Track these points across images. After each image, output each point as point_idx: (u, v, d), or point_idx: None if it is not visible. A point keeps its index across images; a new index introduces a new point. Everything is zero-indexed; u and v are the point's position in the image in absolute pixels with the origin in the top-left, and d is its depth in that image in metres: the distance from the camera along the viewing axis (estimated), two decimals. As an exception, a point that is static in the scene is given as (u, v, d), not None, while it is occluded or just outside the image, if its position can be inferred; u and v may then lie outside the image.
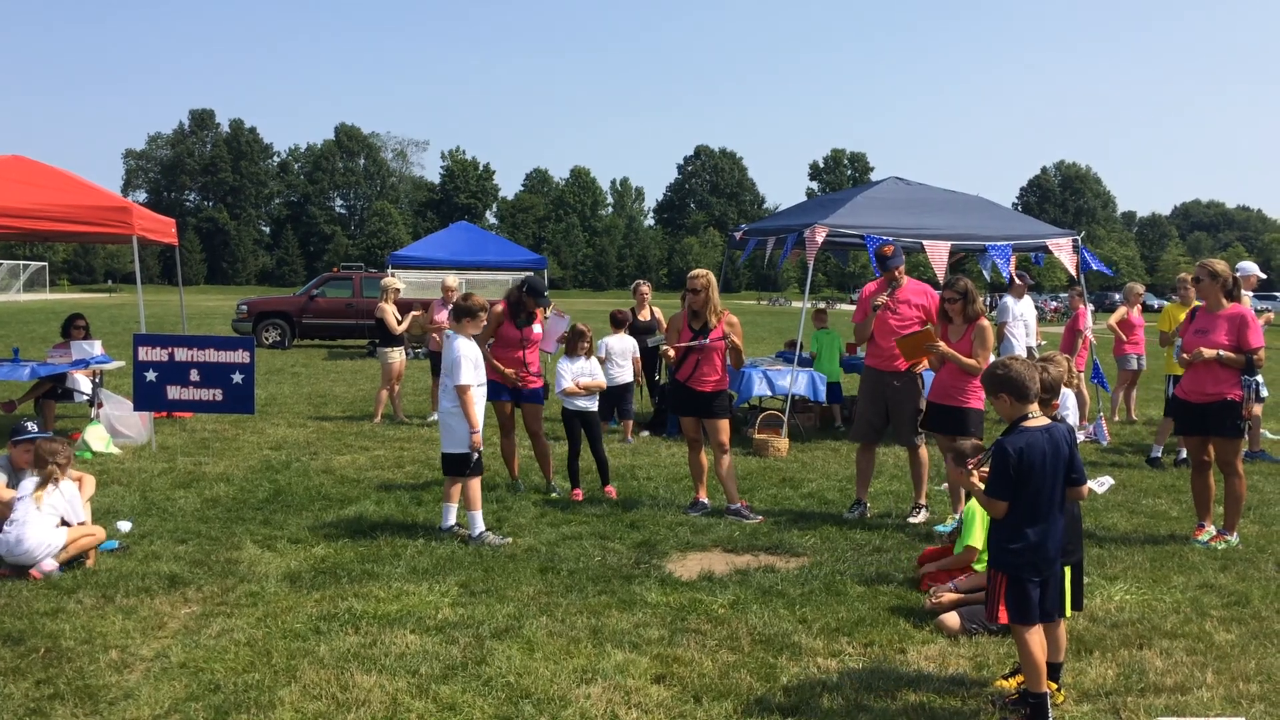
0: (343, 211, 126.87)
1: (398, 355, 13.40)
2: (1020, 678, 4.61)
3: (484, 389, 7.63)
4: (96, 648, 5.19)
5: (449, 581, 6.34)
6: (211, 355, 10.24)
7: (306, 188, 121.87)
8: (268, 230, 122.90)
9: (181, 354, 10.22)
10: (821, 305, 14.22)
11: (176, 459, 10.22)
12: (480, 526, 7.38)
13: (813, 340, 13.55)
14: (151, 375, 10.17)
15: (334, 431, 12.27)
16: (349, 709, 4.52)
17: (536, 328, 9.10)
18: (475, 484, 7.43)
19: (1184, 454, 10.11)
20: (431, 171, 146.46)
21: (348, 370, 20.40)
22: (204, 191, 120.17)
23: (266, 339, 25.52)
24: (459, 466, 7.43)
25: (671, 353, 8.30)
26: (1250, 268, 11.05)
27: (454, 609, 5.86)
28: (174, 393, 10.20)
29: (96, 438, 10.48)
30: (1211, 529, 7.58)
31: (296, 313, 26.15)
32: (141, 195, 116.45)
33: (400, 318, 13.66)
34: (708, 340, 8.21)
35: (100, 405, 11.17)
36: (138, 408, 10.53)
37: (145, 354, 10.20)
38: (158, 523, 7.65)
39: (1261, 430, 12.08)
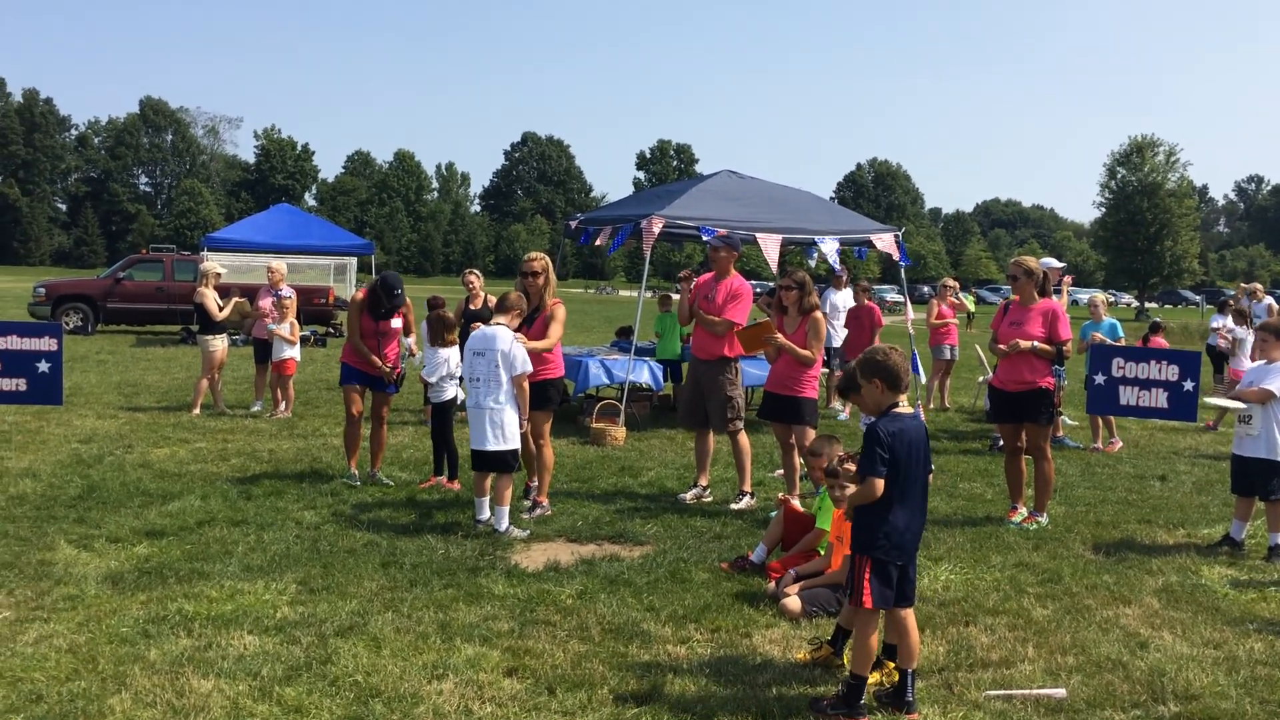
0: (148, 190, 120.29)
1: (219, 343, 12.81)
2: (890, 667, 4.78)
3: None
4: (-104, 661, 4.78)
5: (286, 579, 6.12)
6: (14, 342, 9.46)
7: (108, 164, 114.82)
8: (64, 208, 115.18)
9: (-21, 340, 9.46)
10: (662, 294, 14.44)
11: (-26, 453, 9.50)
12: (505, 521, 7.28)
13: (656, 322, 13.84)
14: (-56, 363, 9.37)
15: (149, 423, 11.64)
16: (187, 715, 4.31)
17: (395, 322, 8.94)
18: (509, 481, 7.32)
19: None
20: (245, 150, 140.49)
21: (160, 358, 19.36)
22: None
23: (67, 324, 23.83)
24: (508, 464, 7.28)
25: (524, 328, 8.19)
26: (1052, 262, 11.84)
27: (293, 607, 5.66)
28: (-29, 382, 9.43)
29: (-120, 431, 9.62)
30: (1024, 511, 8.07)
31: (101, 296, 24.62)
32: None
33: (221, 304, 13.07)
34: (534, 325, 7.94)
35: (-117, 396, 10.23)
36: (-72, 398, 9.69)
37: (-63, 340, 9.39)
38: (-43, 523, 7.09)
39: (1061, 417, 12.93)
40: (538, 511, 7.84)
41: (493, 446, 7.26)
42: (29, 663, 4.78)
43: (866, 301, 14.26)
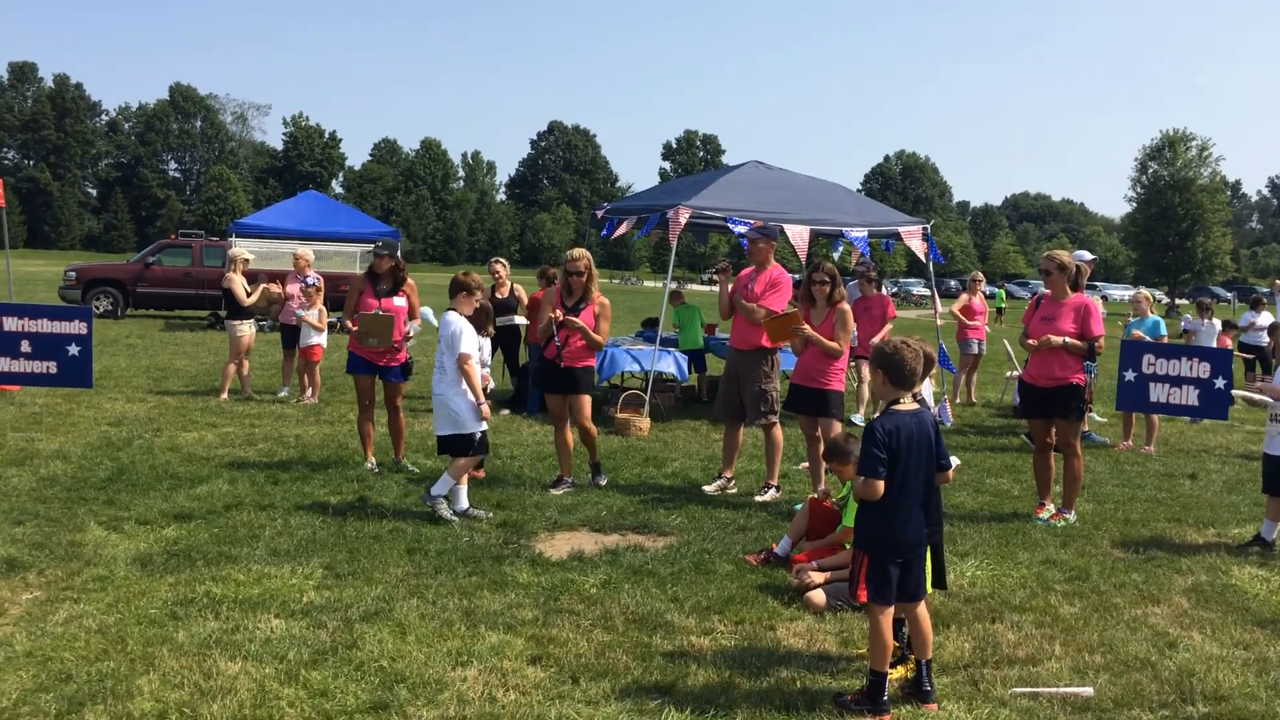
0: (177, 175, 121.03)
1: (247, 328, 12.89)
2: (909, 666, 4.76)
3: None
4: (-71, 638, 4.84)
5: (312, 563, 6.16)
6: (45, 326, 9.58)
7: (138, 149, 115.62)
8: (94, 193, 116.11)
9: (11, 323, 9.53)
10: (674, 286, 14.34)
11: (6, 435, 9.60)
12: (444, 490, 7.31)
13: (673, 315, 13.79)
14: (-23, 345, 9.46)
15: (177, 407, 11.73)
16: (214, 697, 4.34)
17: (399, 300, 8.92)
18: (467, 463, 7.36)
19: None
20: (274, 137, 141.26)
21: (188, 342, 19.52)
22: (24, 149, 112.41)
23: (97, 308, 24.04)
24: (461, 448, 7.32)
25: (560, 315, 8.29)
26: (1084, 254, 11.70)
27: (319, 592, 5.69)
28: (3, 364, 9.48)
29: (-86, 411, 9.74)
30: (1051, 507, 8.01)
31: (130, 281, 24.80)
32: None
33: (249, 289, 13.15)
34: (573, 318, 8.26)
35: (-83, 376, 10.35)
36: (-39, 380, 9.81)
37: (-30, 323, 9.49)
38: (-11, 503, 7.18)
39: (1090, 414, 12.82)
40: (601, 479, 8.60)
41: (444, 431, 7.41)
42: (59, 642, 4.83)
43: (875, 292, 14.12)
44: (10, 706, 4.20)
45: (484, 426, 7.47)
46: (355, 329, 8.72)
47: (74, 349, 9.60)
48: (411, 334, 9.02)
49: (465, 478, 7.50)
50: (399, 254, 9.15)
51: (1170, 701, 4.67)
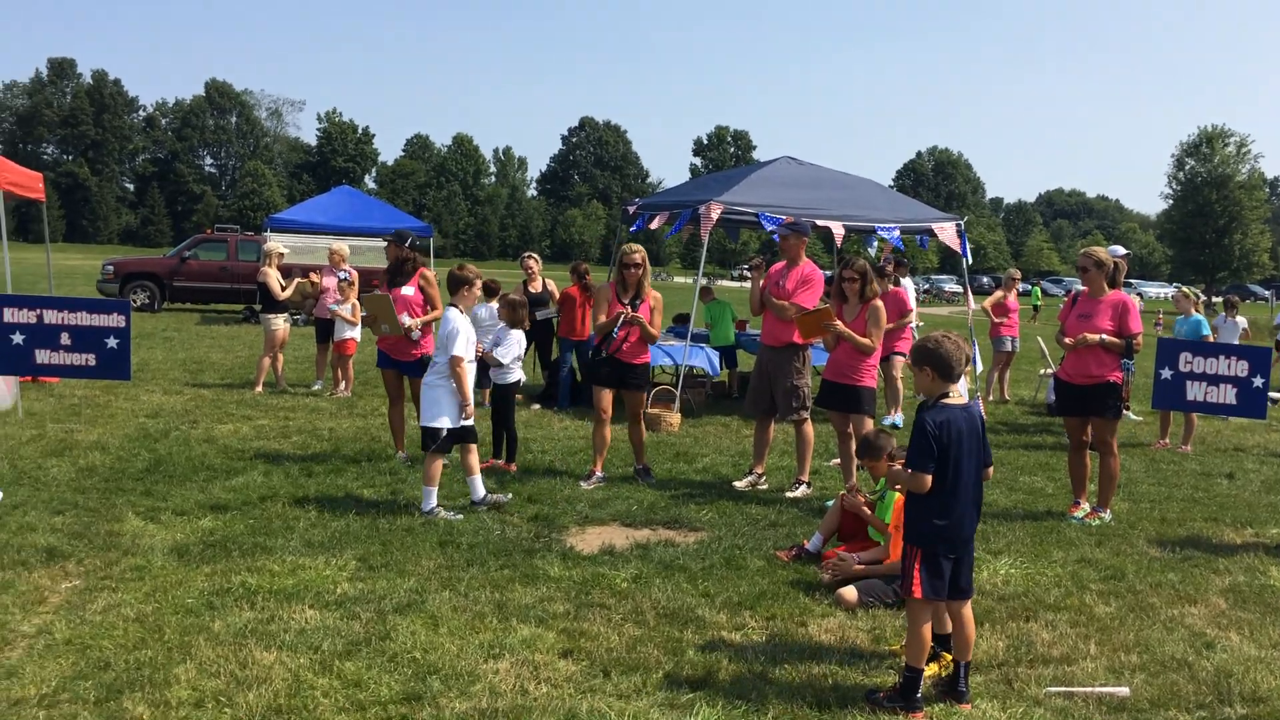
0: (213, 171, 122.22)
1: (281, 322, 13.00)
2: (947, 659, 4.73)
3: (473, 365, 7.58)
4: (-28, 625, 4.92)
5: (346, 555, 6.20)
6: (84, 318, 9.68)
7: (174, 144, 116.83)
8: (131, 187, 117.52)
9: (51, 316, 9.64)
10: (704, 282, 14.30)
11: (46, 426, 9.74)
12: (433, 502, 7.28)
13: (704, 312, 13.77)
14: (18, 338, 9.57)
15: (213, 399, 11.85)
16: (250, 687, 4.38)
17: (407, 289, 8.89)
18: (435, 464, 7.33)
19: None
20: (307, 133, 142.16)
21: (223, 336, 19.71)
22: (63, 145, 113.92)
23: (134, 301, 24.35)
24: (425, 441, 7.36)
25: (629, 312, 8.36)
26: (1118, 249, 11.57)
27: (353, 583, 5.74)
28: (43, 356, 9.62)
29: (-44, 402, 9.90)
30: (1086, 506, 7.93)
31: (167, 275, 25.07)
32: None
33: (284, 283, 13.26)
34: (637, 314, 8.38)
35: (-41, 368, 10.52)
36: (2, 371, 9.95)
37: (11, 315, 9.58)
38: (30, 492, 7.28)
39: (1127, 412, 12.69)
40: (650, 478, 8.59)
41: (421, 422, 7.45)
42: (98, 631, 4.90)
43: (891, 286, 14.01)
44: (51, 693, 4.26)
45: (461, 422, 7.40)
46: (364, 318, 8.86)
47: (113, 341, 9.71)
48: (415, 331, 8.77)
49: (477, 469, 7.53)
50: (410, 244, 9.10)
51: (1208, 702, 4.62)
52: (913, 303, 14.42)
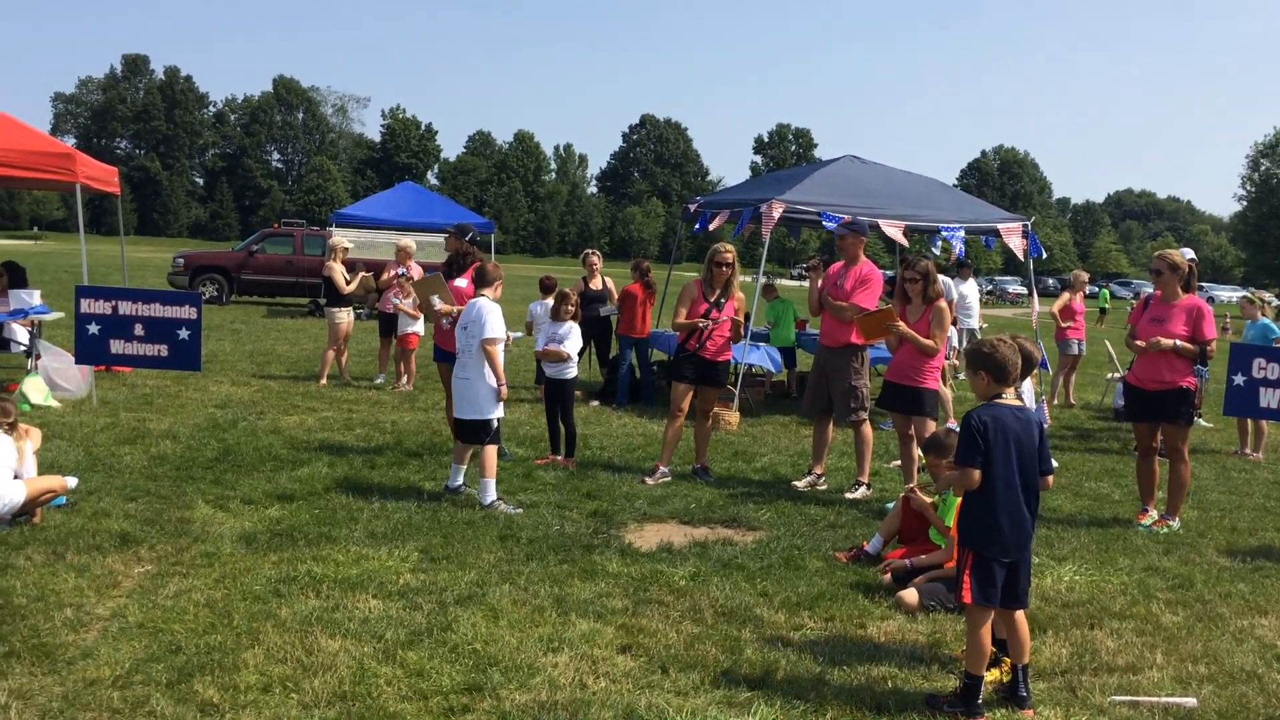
0: (280, 166, 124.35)
1: (345, 316, 13.20)
2: (1004, 670, 4.69)
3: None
4: (50, 605, 5.07)
5: (408, 547, 6.29)
6: (157, 310, 9.96)
7: (243, 140, 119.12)
8: (201, 182, 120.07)
9: (126, 307, 9.93)
10: (765, 280, 14.20)
11: (119, 414, 9.99)
12: (492, 495, 7.33)
13: (767, 311, 13.74)
14: (94, 328, 9.87)
15: (279, 391, 12.07)
16: (315, 673, 4.47)
17: (460, 281, 8.87)
18: (491, 451, 7.39)
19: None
20: (372, 129, 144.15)
21: (289, 329, 20.06)
22: (136, 139, 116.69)
23: (204, 294, 24.84)
24: (477, 434, 7.41)
25: (717, 316, 8.42)
26: (1187, 252, 11.32)
27: (415, 575, 5.82)
28: (118, 347, 9.92)
29: (35, 390, 10.20)
30: (1154, 513, 7.78)
31: (235, 268, 25.56)
32: (70, 140, 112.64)
33: (349, 278, 13.45)
34: (722, 313, 8.44)
35: (38, 357, 10.86)
36: (79, 361, 10.25)
37: (88, 306, 9.89)
38: (104, 479, 7.47)
39: (1198, 419, 12.41)
40: (709, 477, 8.64)
41: (465, 415, 7.46)
42: (169, 615, 5.03)
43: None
44: (125, 674, 4.38)
45: (501, 413, 7.47)
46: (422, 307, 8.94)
47: (184, 333, 9.96)
48: (446, 320, 8.73)
49: (465, 462, 7.62)
50: (470, 238, 9.11)
51: (1278, 716, 4.52)
52: (976, 305, 14.28)
